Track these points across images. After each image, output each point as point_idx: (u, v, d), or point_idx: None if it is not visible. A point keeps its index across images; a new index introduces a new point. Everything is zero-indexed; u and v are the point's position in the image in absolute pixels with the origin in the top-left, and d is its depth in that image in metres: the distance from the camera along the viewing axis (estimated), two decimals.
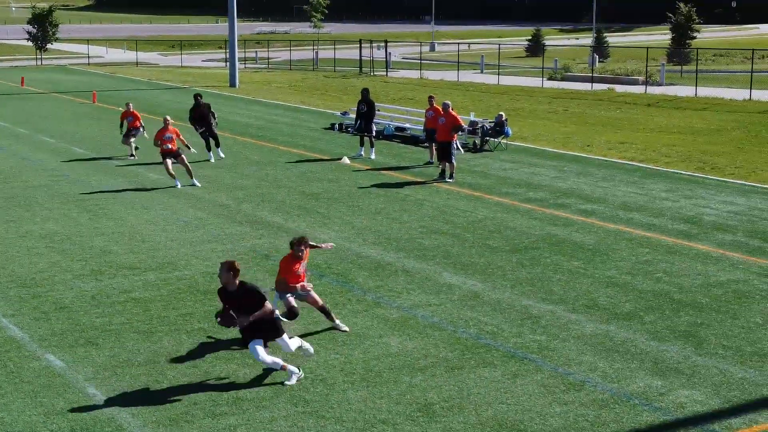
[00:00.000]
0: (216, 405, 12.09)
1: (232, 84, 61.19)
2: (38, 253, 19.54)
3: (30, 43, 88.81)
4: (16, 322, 15.34)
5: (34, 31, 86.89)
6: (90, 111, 46.06)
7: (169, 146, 26.10)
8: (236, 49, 63.00)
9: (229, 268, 12.39)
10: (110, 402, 12.21)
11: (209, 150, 30.84)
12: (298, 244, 14.44)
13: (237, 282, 12.45)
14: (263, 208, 23.73)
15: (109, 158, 31.19)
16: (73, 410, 11.98)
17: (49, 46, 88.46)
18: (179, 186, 26.03)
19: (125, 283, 17.41)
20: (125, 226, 21.83)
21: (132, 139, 31.53)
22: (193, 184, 26.20)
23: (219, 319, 12.48)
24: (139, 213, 23.20)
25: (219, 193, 25.48)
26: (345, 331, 14.77)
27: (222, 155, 31.20)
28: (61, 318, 15.52)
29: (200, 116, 30.68)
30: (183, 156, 26.40)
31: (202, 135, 30.81)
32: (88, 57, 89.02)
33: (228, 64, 66.80)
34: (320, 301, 14.77)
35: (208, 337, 14.52)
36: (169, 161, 26.09)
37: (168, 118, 26.71)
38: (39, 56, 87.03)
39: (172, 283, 17.40)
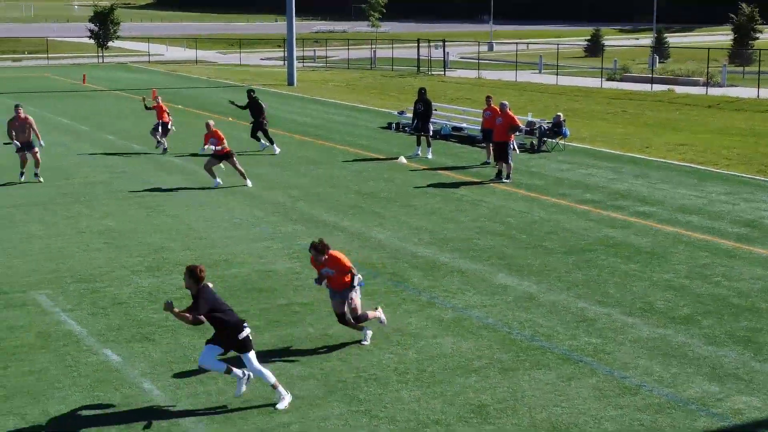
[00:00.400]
0: (270, 402, 12.14)
1: (290, 82, 61.46)
2: (97, 249, 19.76)
3: (92, 41, 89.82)
4: (75, 316, 15.54)
5: (96, 29, 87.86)
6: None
7: (218, 148, 25.94)
8: (294, 48, 63.28)
9: (189, 274, 11.98)
10: (165, 397, 12.31)
11: (258, 140, 32.55)
12: (311, 247, 13.92)
13: (198, 286, 11.97)
14: (319, 206, 23.80)
15: (156, 153, 31.48)
16: (128, 405, 12.10)
17: (110, 44, 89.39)
18: (216, 185, 25.99)
19: (181, 280, 17.50)
20: (182, 223, 22.01)
21: (163, 135, 32.32)
22: (245, 185, 26.16)
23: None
24: (196, 210, 23.38)
25: (275, 192, 25.59)
26: (364, 343, 14.30)
27: (266, 144, 32.56)
28: (119, 313, 15.69)
29: (250, 110, 32.35)
30: (234, 159, 26.31)
31: (254, 127, 32.49)
32: (149, 55, 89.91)
33: (286, 62, 67.13)
34: (359, 310, 14.13)
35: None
36: (213, 160, 26.08)
37: (210, 122, 26.47)
38: (100, 54, 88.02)
39: (227, 280, 17.50)
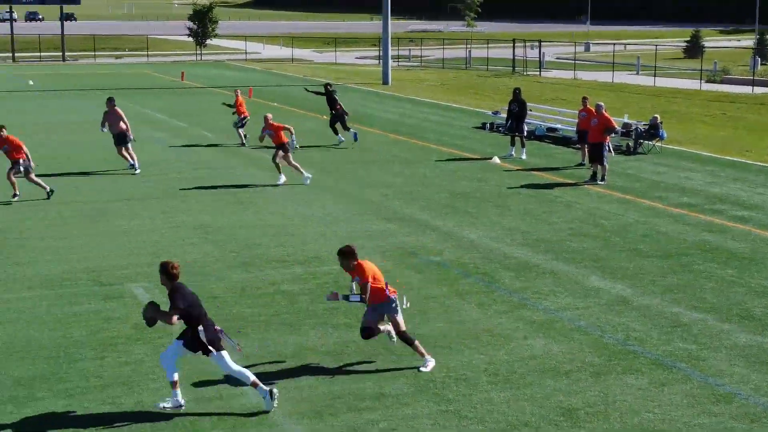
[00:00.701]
0: (359, 399, 12.18)
1: (385, 81, 61.66)
2: (191, 244, 20.05)
3: (190, 39, 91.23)
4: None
5: (195, 27, 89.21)
6: (246, 106, 46.95)
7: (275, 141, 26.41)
8: (389, 47, 63.46)
9: (161, 270, 11.81)
10: (256, 392, 12.41)
11: (336, 133, 34.16)
12: (338, 253, 13.25)
13: (172, 283, 11.77)
14: (411, 205, 23.81)
15: (250, 149, 31.81)
16: (220, 398, 12.25)
17: (208, 41, 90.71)
18: (306, 181, 26.24)
19: (274, 276, 17.71)
20: (275, 220, 22.21)
21: (241, 129, 34.05)
22: (278, 182, 26.34)
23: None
24: (289, 207, 23.57)
25: (368, 190, 25.68)
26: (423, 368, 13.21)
27: (343, 139, 33.98)
28: (212, 307, 15.85)
29: (327, 103, 34.37)
30: (281, 153, 26.26)
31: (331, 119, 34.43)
32: (246, 53, 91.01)
33: (381, 61, 67.36)
34: (401, 326, 13.16)
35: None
36: (285, 157, 26.39)
37: (268, 115, 26.84)
38: (198, 52, 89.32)
39: (318, 277, 17.61)
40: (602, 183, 26.61)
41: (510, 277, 17.64)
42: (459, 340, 14.30)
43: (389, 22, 62.85)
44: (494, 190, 25.81)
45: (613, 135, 29.08)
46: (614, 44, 78.54)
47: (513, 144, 31.56)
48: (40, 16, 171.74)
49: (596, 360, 13.57)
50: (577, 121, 30.98)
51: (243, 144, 33.51)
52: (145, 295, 16.49)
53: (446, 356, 13.64)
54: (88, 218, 22.33)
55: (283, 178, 26.39)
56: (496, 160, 30.40)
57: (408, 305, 13.75)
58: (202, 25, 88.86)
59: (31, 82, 59.78)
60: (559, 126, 36.76)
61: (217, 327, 12.01)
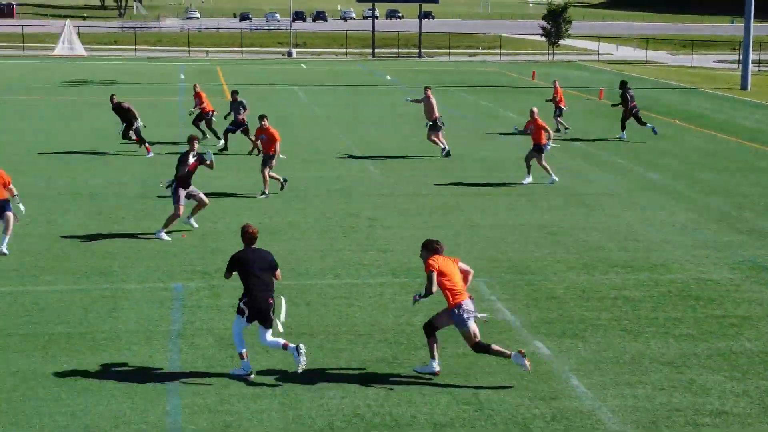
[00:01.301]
0: (699, 414, 11.77)
1: (743, 87, 59.07)
2: (535, 242, 20.11)
3: (543, 39, 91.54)
4: (509, 306, 15.93)
5: (548, 26, 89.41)
6: (596, 108, 46.60)
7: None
8: (750, 51, 60.69)
9: (240, 233, 12.96)
10: (592, 396, 12.31)
11: (623, 129, 35.20)
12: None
13: (245, 245, 12.80)
14: (766, 218, 22.67)
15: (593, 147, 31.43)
16: (555, 398, 12.23)
17: (561, 41, 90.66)
18: (551, 182, 26.16)
19: (616, 280, 17.44)
20: (621, 224, 21.86)
21: (559, 118, 35.87)
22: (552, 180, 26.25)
23: None
24: (635, 211, 23.13)
25: (720, 198, 24.71)
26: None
27: (625, 137, 34.84)
28: (552, 307, 15.88)
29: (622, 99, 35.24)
30: (541, 155, 26.08)
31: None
32: (598, 53, 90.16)
33: (740, 65, 64.59)
34: (476, 337, 12.63)
35: None
36: (533, 154, 26.19)
37: (534, 109, 26.53)
38: (550, 51, 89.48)
39: (663, 285, 17.16)
40: None
41: None
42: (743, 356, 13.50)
43: (752, 24, 60.09)
44: None
45: None
46: None
47: None
48: (400, 14, 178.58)
49: None
50: None
51: (557, 130, 35.08)
52: (486, 289, 16.74)
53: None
54: (435, 210, 22.94)
55: (529, 179, 26.32)
56: None
57: (486, 318, 13.04)
58: (555, 24, 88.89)
59: (389, 77, 62.17)
60: None
61: (271, 300, 12.58)
